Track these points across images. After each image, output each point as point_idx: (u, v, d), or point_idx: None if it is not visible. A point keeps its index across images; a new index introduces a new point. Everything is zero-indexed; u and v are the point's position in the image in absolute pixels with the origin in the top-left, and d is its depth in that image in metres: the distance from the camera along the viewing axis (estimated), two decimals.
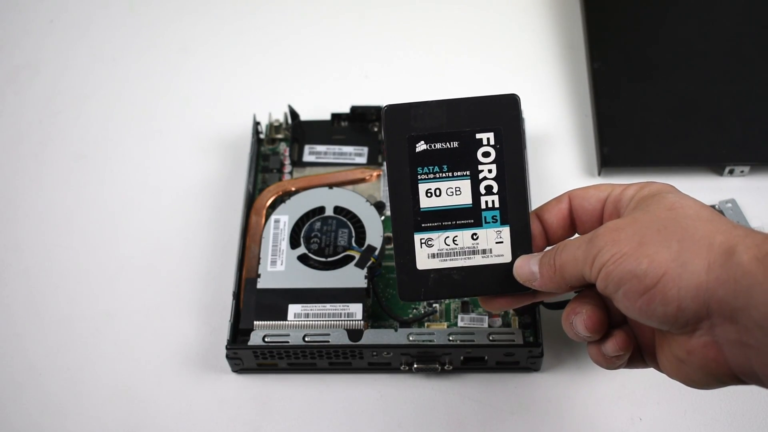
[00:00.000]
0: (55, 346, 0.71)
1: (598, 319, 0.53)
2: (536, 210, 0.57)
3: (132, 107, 0.86)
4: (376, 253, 0.70)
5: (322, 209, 0.73)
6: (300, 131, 0.79)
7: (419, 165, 0.56)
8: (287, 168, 0.78)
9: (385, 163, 0.55)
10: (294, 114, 0.79)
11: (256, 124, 0.79)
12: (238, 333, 0.67)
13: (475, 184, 0.56)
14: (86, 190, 0.80)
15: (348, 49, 0.90)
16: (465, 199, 0.56)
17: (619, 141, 0.79)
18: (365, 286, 0.68)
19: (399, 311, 0.70)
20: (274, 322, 0.67)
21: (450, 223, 0.56)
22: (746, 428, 0.66)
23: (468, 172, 0.56)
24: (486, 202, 0.56)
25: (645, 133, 0.79)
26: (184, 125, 0.84)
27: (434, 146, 0.56)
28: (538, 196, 0.77)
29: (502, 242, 0.56)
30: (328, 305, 0.68)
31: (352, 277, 0.69)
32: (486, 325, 0.68)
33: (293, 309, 0.68)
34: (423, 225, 0.56)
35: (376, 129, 0.79)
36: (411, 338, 0.66)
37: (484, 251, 0.56)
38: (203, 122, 0.84)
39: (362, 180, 0.76)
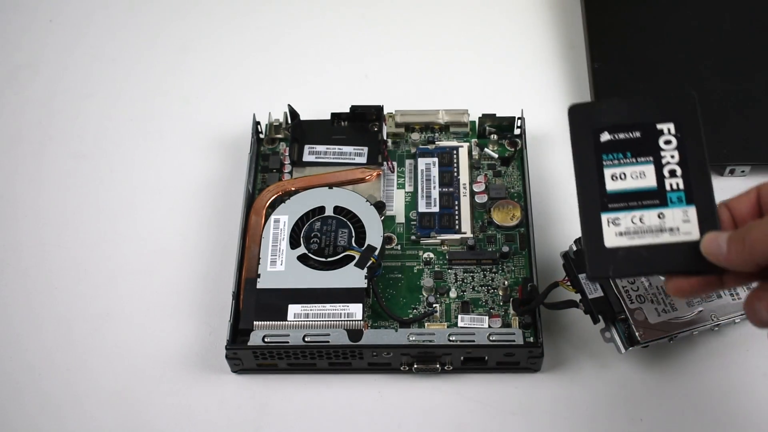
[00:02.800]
0: (54, 346, 0.71)
1: None
2: (724, 201, 0.58)
3: (132, 107, 0.86)
4: (376, 253, 0.70)
5: (322, 209, 0.73)
6: (300, 131, 0.79)
7: (604, 152, 0.59)
8: (287, 168, 0.78)
9: (572, 156, 0.59)
10: (294, 114, 0.79)
11: (256, 123, 0.79)
12: (238, 333, 0.67)
13: (659, 168, 0.58)
14: (86, 189, 0.80)
15: (348, 49, 0.90)
16: (650, 182, 0.58)
17: None
18: (365, 286, 0.68)
19: (399, 311, 0.70)
20: (273, 322, 0.67)
21: (636, 203, 0.58)
22: (746, 428, 0.66)
23: (651, 158, 0.58)
24: (670, 184, 0.58)
25: None
26: (184, 125, 0.84)
27: (617, 136, 0.59)
28: (538, 196, 0.77)
29: (688, 221, 0.57)
30: (328, 305, 0.67)
31: (352, 277, 0.69)
32: (486, 325, 0.68)
33: (293, 309, 0.67)
34: (609, 206, 0.58)
35: (375, 129, 0.79)
36: (411, 338, 0.66)
37: (671, 229, 0.57)
38: (203, 122, 0.84)
39: (362, 180, 0.76)
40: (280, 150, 0.80)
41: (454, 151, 0.78)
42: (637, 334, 0.65)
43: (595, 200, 0.58)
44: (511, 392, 0.68)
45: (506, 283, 0.71)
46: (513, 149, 0.79)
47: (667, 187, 0.58)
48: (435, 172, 0.77)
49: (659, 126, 0.59)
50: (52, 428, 0.67)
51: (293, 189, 0.75)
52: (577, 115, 0.60)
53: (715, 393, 0.67)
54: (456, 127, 0.80)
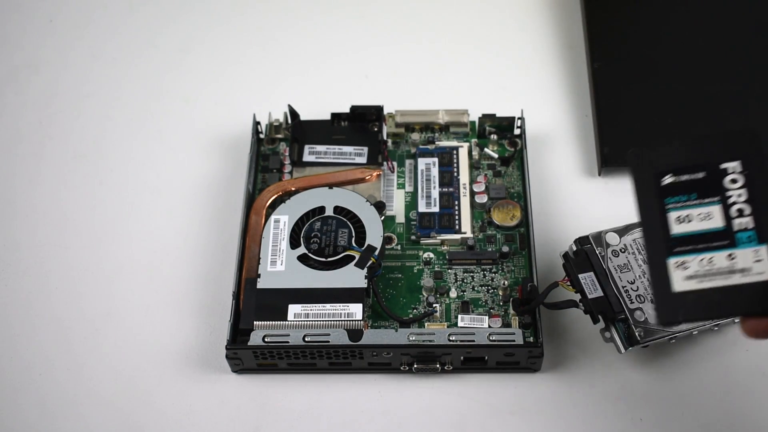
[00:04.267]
0: (54, 346, 0.71)
1: None
2: None
3: (132, 107, 0.86)
4: (376, 253, 0.70)
5: (322, 209, 0.73)
6: (300, 131, 0.79)
7: (667, 196, 0.57)
8: (287, 168, 0.78)
9: (635, 200, 0.58)
10: (294, 114, 0.79)
11: (256, 124, 0.79)
12: (238, 333, 0.67)
13: (726, 208, 0.57)
14: (86, 189, 0.80)
15: (348, 49, 0.90)
16: (717, 222, 0.56)
17: (619, 141, 0.79)
18: (365, 286, 0.68)
19: (399, 311, 0.70)
20: (274, 322, 0.67)
21: (704, 245, 0.56)
22: (746, 428, 0.66)
23: (717, 198, 0.57)
24: (739, 223, 0.56)
25: (645, 133, 0.79)
26: (184, 125, 0.84)
27: (680, 178, 0.57)
28: (538, 197, 0.77)
29: (761, 260, 0.55)
30: (328, 305, 0.67)
31: (352, 277, 0.69)
32: (486, 325, 0.68)
33: (293, 309, 0.67)
34: (675, 249, 0.56)
35: (375, 129, 0.79)
36: (411, 338, 0.66)
37: (742, 270, 0.55)
38: (203, 122, 0.84)
39: (362, 180, 0.76)
40: (280, 150, 0.80)
41: (454, 151, 0.78)
42: (636, 333, 0.65)
43: (660, 245, 0.57)
44: (511, 392, 0.68)
45: (506, 283, 0.71)
46: (513, 149, 0.79)
47: (736, 227, 0.56)
48: (435, 172, 0.77)
49: (723, 165, 0.57)
50: (52, 428, 0.67)
51: (293, 189, 0.75)
52: (637, 159, 0.59)
53: (715, 393, 0.67)
54: (456, 127, 0.80)
